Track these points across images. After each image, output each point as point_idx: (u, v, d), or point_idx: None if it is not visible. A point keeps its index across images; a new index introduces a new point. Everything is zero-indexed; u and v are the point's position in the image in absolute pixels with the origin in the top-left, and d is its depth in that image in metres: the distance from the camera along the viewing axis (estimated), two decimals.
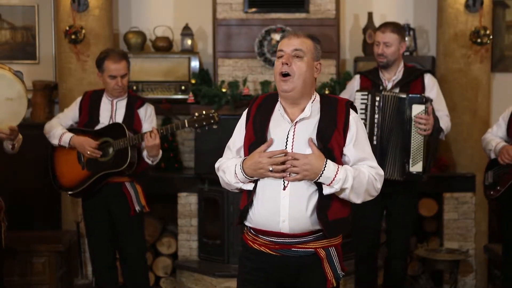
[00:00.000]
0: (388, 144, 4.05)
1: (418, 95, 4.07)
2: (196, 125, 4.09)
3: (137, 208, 4.30)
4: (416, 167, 4.01)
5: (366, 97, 4.11)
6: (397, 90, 4.15)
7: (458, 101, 5.42)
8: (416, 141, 4.04)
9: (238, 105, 5.08)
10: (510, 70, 5.84)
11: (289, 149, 2.69)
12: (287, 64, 2.70)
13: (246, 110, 2.88)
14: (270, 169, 2.64)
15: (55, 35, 5.67)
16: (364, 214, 4.12)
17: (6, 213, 3.93)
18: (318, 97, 2.81)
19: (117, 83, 4.24)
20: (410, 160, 4.02)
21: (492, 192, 4.24)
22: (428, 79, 4.26)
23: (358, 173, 2.69)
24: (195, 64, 5.45)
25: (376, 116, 4.05)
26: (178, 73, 5.44)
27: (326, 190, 2.66)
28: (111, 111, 4.33)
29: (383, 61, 4.20)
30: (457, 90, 5.42)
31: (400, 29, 4.26)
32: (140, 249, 4.45)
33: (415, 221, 4.62)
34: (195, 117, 4.09)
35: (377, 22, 5.74)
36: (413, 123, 4.02)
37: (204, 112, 4.09)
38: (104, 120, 4.32)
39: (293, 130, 2.73)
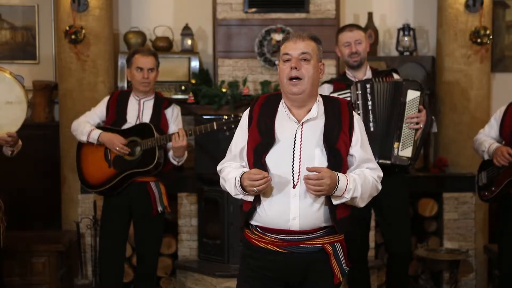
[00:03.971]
0: (383, 129, 4.04)
1: (415, 80, 4.09)
2: (225, 128, 4.13)
3: (160, 208, 4.33)
4: (405, 152, 4.01)
5: (348, 94, 4.09)
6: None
7: (458, 101, 5.43)
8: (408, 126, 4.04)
9: (238, 105, 5.08)
10: (510, 70, 5.84)
11: (297, 150, 2.72)
12: (296, 68, 2.73)
13: (248, 111, 2.88)
14: (255, 190, 2.65)
15: (55, 35, 5.67)
16: (351, 220, 4.14)
17: (5, 213, 3.94)
18: (320, 98, 2.85)
19: (143, 75, 4.27)
20: (400, 144, 4.01)
21: (486, 193, 4.25)
22: (396, 78, 4.25)
23: (364, 179, 2.74)
24: (195, 64, 5.45)
25: (370, 103, 4.05)
26: (178, 73, 5.44)
27: (336, 201, 2.70)
28: (138, 110, 4.36)
29: (357, 59, 4.20)
30: (457, 90, 5.42)
31: (363, 28, 4.30)
32: (156, 250, 4.51)
33: (409, 212, 4.60)
34: (224, 120, 4.15)
35: (377, 22, 5.75)
36: (406, 107, 4.02)
37: (232, 115, 4.18)
38: (131, 119, 4.35)
39: (301, 130, 2.75)
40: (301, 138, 2.74)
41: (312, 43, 2.78)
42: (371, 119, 4.03)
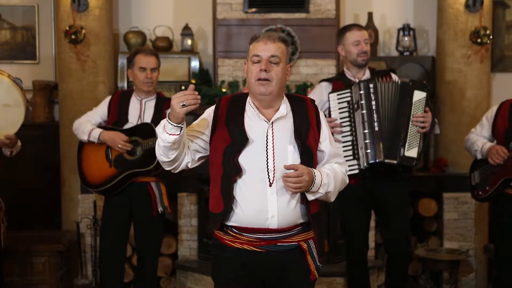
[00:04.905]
0: (388, 129, 4.04)
1: (421, 81, 4.09)
2: None
3: (160, 208, 4.32)
4: (411, 152, 4.01)
5: (348, 93, 4.09)
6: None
7: (458, 101, 5.43)
8: (414, 127, 4.02)
9: None
10: (510, 70, 5.84)
11: (269, 148, 2.74)
12: (266, 70, 2.75)
13: (213, 109, 2.85)
14: (183, 103, 2.58)
15: (55, 35, 5.68)
16: (351, 220, 4.14)
17: (6, 214, 3.94)
18: (285, 97, 2.88)
19: (146, 75, 4.27)
20: (406, 144, 4.00)
21: (480, 193, 4.25)
22: (394, 77, 4.25)
23: (334, 174, 2.80)
24: (195, 64, 5.46)
25: (373, 103, 4.04)
26: (178, 73, 5.45)
27: (311, 196, 2.73)
28: (140, 110, 4.36)
29: (366, 59, 4.19)
30: (457, 90, 5.42)
31: None
32: (156, 250, 4.50)
33: (409, 212, 4.60)
34: None
35: (377, 22, 5.75)
36: (412, 108, 4.02)
37: None
38: (132, 119, 4.35)
39: (271, 129, 2.78)
40: (272, 136, 2.76)
41: (282, 45, 2.80)
42: (375, 119, 4.02)
